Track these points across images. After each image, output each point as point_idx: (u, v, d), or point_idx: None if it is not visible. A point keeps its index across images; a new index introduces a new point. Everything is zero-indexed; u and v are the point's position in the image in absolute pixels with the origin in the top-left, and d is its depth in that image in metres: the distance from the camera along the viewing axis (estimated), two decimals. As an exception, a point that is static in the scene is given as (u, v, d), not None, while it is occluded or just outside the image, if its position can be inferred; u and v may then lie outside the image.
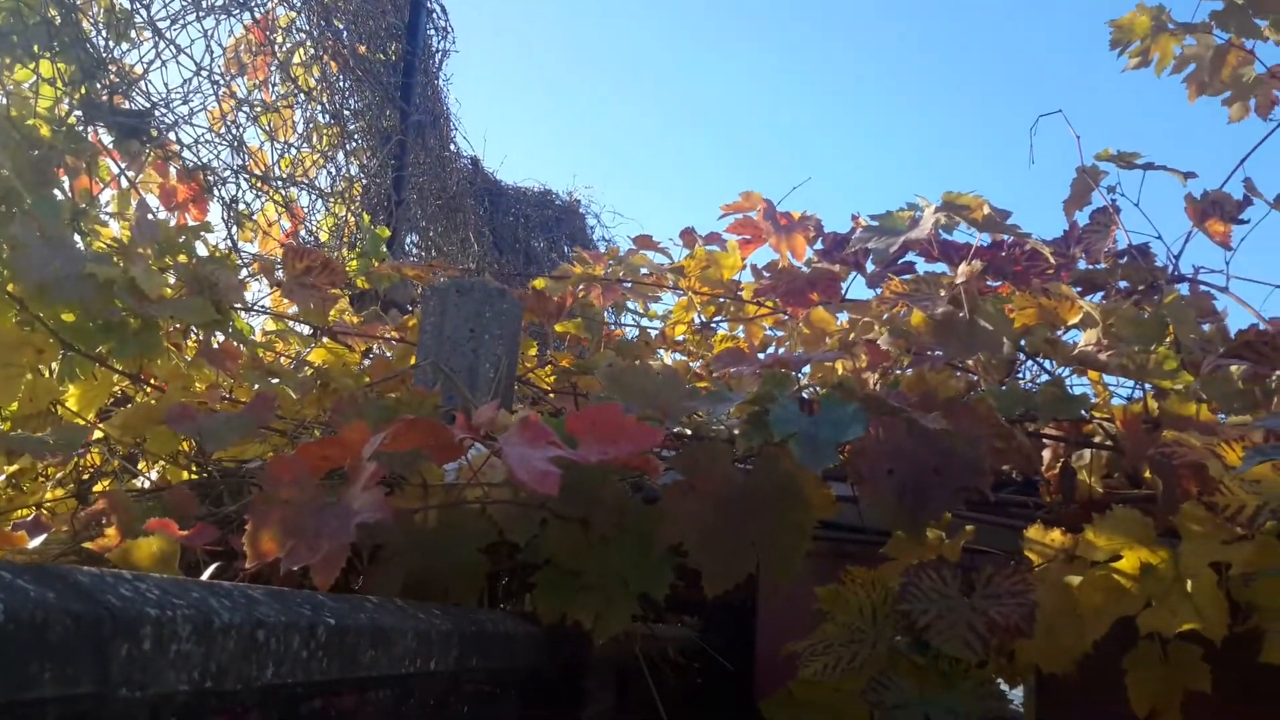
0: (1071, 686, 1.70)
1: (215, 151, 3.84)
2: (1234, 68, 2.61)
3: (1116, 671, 1.64)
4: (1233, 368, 2.03)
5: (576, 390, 2.29)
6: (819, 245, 2.29)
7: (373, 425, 1.38)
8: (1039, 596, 1.49)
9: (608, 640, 1.97)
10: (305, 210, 4.70)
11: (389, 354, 2.60)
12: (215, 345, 2.15)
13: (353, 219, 4.93)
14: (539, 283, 2.55)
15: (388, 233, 3.67)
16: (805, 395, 1.77)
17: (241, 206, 3.94)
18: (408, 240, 5.75)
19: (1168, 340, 1.82)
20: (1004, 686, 1.65)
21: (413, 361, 2.10)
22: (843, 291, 2.31)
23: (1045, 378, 2.11)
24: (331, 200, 4.92)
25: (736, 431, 1.72)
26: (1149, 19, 2.69)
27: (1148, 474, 1.80)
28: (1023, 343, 1.85)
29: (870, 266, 2.18)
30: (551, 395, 2.40)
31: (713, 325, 2.80)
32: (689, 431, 1.99)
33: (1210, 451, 1.39)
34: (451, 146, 6.34)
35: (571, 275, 2.56)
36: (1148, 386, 1.94)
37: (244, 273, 2.81)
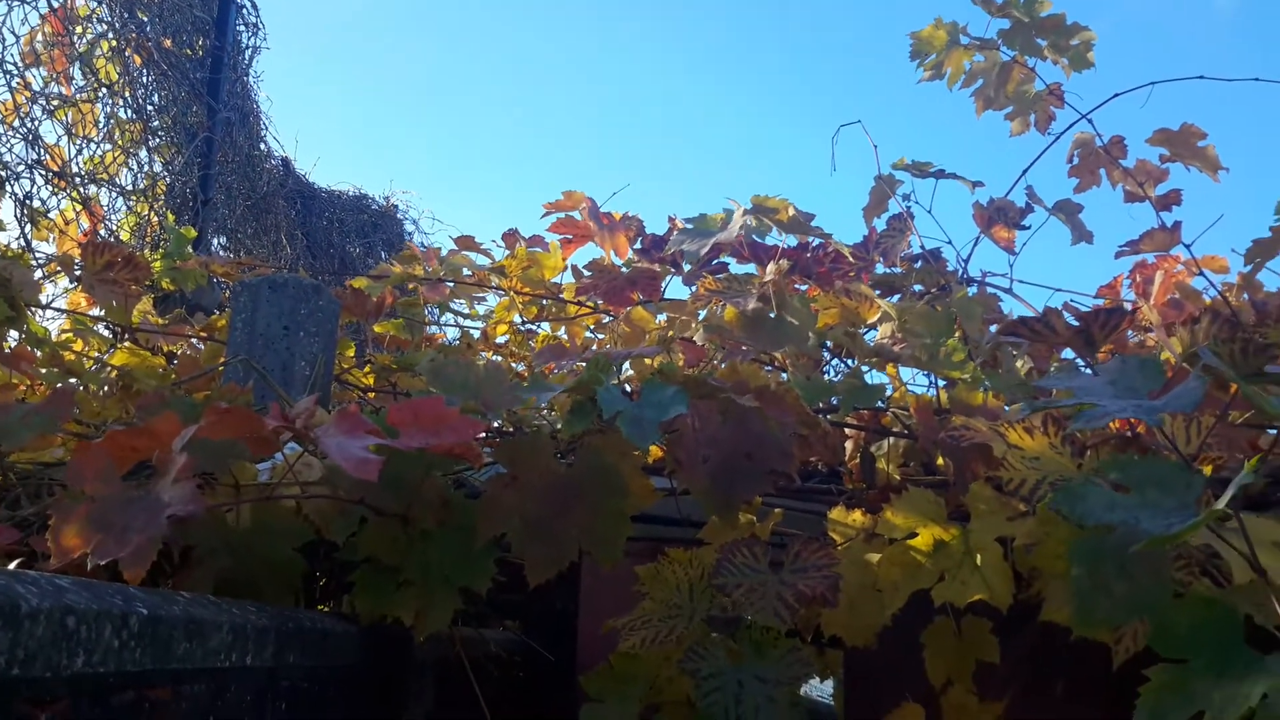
0: (877, 663, 1.80)
1: (8, 145, 3.61)
2: (1017, 84, 2.82)
3: (917, 646, 1.75)
4: (1018, 363, 2.19)
5: (396, 389, 2.27)
6: (639, 245, 2.35)
7: (182, 421, 1.34)
8: (842, 571, 1.58)
9: (430, 640, 1.96)
10: (105, 209, 4.47)
11: (197, 353, 2.51)
12: (7, 347, 2.03)
13: (156, 219, 4.71)
14: (358, 282, 2.52)
15: (194, 233, 3.53)
16: (626, 388, 1.81)
17: (36, 204, 3.71)
18: (215, 242, 5.53)
19: (956, 335, 1.96)
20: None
21: (222, 359, 2.04)
22: (662, 291, 2.38)
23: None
24: (134, 199, 4.69)
25: (559, 425, 1.75)
26: (945, 33, 2.86)
27: (940, 460, 1.93)
28: (826, 341, 1.96)
29: (686, 266, 2.25)
30: (371, 395, 2.38)
31: (534, 327, 2.82)
32: (511, 428, 2.00)
33: (995, 432, 1.51)
34: (262, 146, 6.14)
35: (391, 274, 2.54)
36: (941, 382, 2.08)
37: (39, 274, 2.66)
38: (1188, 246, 2.59)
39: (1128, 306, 2.47)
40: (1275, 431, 2.07)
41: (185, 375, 2.09)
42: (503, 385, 1.72)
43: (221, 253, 5.77)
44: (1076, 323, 1.45)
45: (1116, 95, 2.66)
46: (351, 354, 2.61)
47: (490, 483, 1.61)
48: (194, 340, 2.66)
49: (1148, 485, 1.16)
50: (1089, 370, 1.45)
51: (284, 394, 1.86)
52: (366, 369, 2.48)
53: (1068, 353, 2.35)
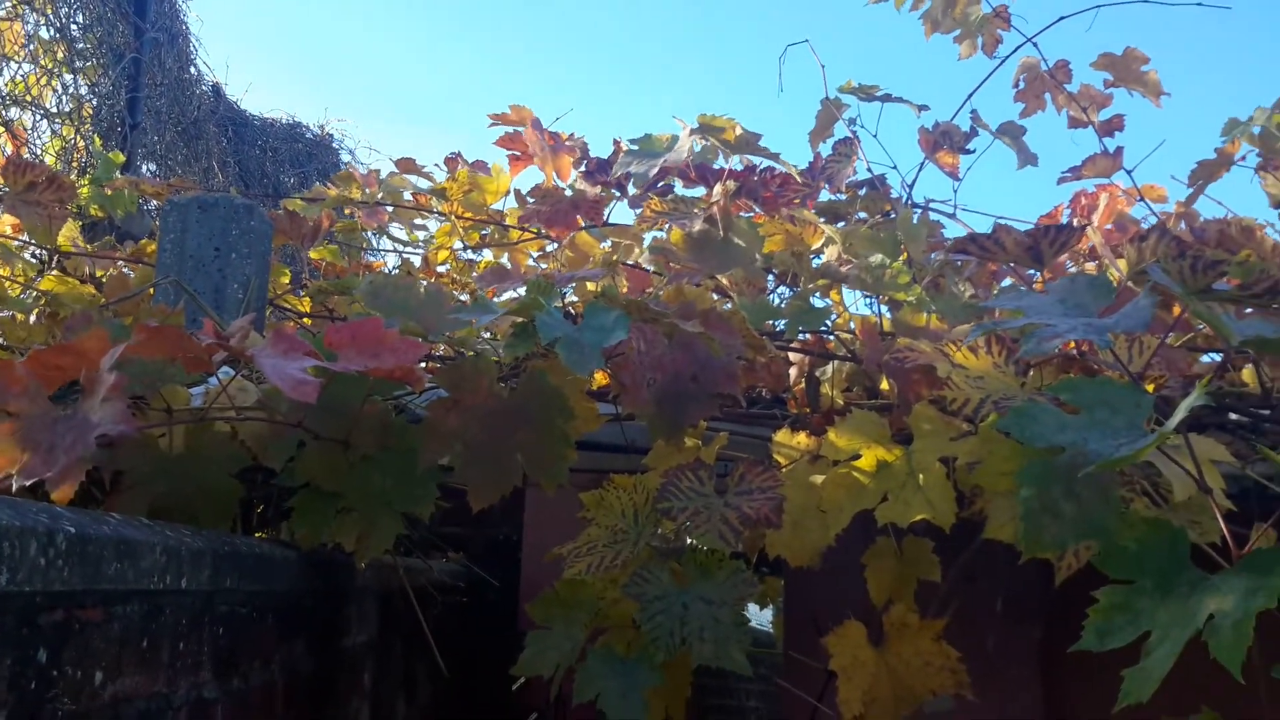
0: (818, 585, 1.81)
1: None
2: (963, 7, 2.80)
3: (858, 567, 1.76)
4: (964, 289, 2.20)
5: (333, 314, 2.22)
6: (583, 169, 2.31)
7: (111, 340, 1.29)
8: (786, 493, 1.58)
9: (373, 567, 1.94)
10: (29, 133, 4.30)
11: (127, 278, 2.43)
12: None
13: (83, 143, 4.54)
14: (293, 204, 2.44)
15: (122, 158, 3.41)
16: (571, 312, 1.79)
17: (-49, 125, 3.56)
18: (144, 169, 5.35)
19: (902, 258, 1.95)
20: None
21: (152, 283, 1.97)
22: (606, 215, 2.34)
23: (794, 299, 2.22)
24: (59, 122, 4.51)
25: (501, 349, 1.72)
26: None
27: (884, 384, 1.94)
28: (773, 266, 1.94)
29: (632, 190, 2.22)
30: (307, 320, 2.32)
31: (476, 255, 2.77)
32: (453, 353, 1.97)
33: (940, 353, 1.51)
34: (192, 70, 5.93)
35: (327, 197, 2.47)
36: (884, 309, 2.08)
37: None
38: (1129, 173, 2.61)
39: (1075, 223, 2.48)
40: (1211, 356, 2.11)
41: (114, 298, 2.02)
42: (444, 308, 1.68)
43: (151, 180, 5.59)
44: (1024, 237, 1.45)
45: (1062, 19, 2.65)
46: (287, 280, 2.55)
47: (432, 407, 1.58)
48: (123, 266, 2.58)
49: (1097, 406, 1.16)
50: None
51: (216, 316, 1.81)
52: (302, 294, 2.42)
53: (1006, 283, 2.37)
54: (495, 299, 1.98)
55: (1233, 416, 2.14)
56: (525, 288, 1.60)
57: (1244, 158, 2.57)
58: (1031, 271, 1.88)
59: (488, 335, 1.93)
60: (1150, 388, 1.50)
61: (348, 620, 1.91)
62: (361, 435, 1.61)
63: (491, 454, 1.58)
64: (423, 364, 2.01)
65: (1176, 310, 1.58)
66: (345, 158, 8.41)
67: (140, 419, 1.53)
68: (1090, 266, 2.55)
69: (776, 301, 2.45)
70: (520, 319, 1.56)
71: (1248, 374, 1.98)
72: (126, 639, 1.06)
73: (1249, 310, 1.38)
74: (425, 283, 1.66)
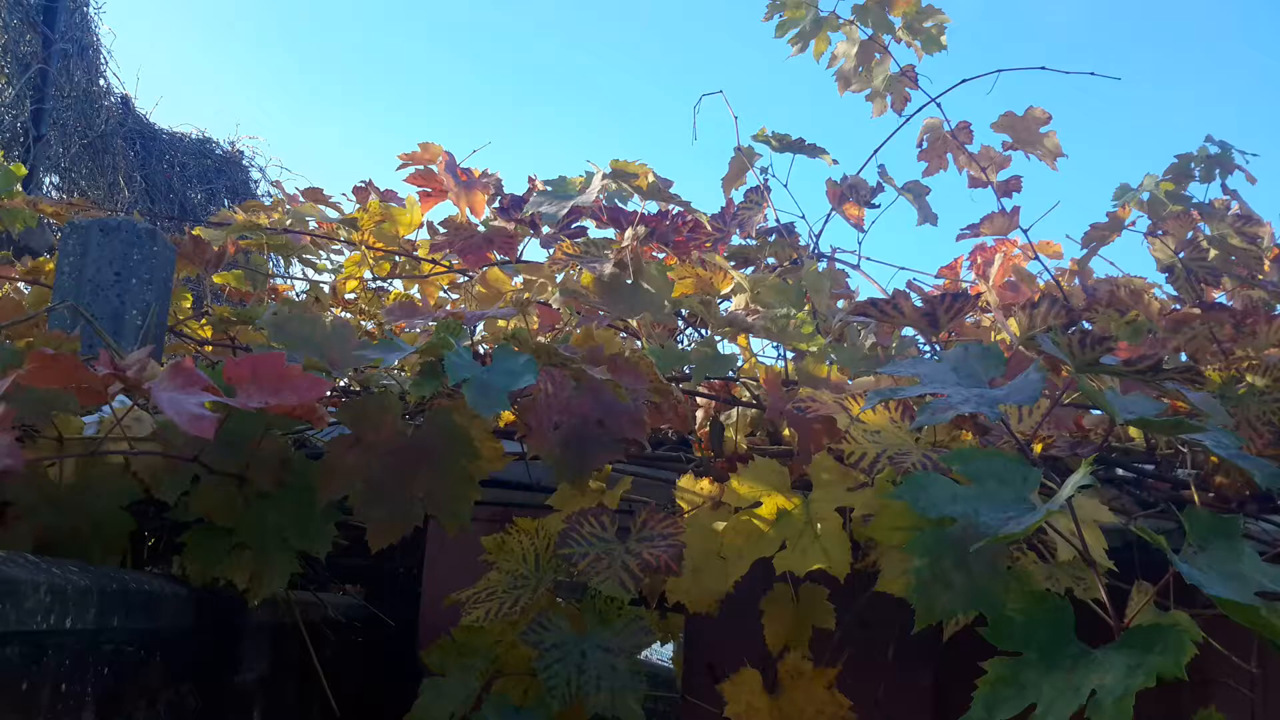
0: (717, 629, 1.83)
1: None
2: (874, 65, 2.88)
3: (756, 613, 1.78)
4: (865, 340, 2.25)
5: (235, 343, 2.18)
6: (497, 204, 2.31)
7: (2, 367, 1.26)
8: (687, 540, 1.59)
9: (266, 604, 1.90)
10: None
11: (21, 297, 2.36)
12: None
13: (-20, 153, 4.39)
14: (198, 230, 2.40)
15: (24, 170, 3.31)
16: (480, 350, 1.78)
17: None
18: (48, 181, 5.20)
19: (806, 308, 1.99)
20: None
21: (48, 305, 1.92)
22: (520, 252, 2.35)
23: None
24: (-45, 130, 4.36)
25: (408, 385, 1.71)
26: (805, 9, 2.89)
27: (786, 431, 1.97)
28: (682, 309, 1.97)
29: (545, 229, 2.23)
30: (208, 348, 2.28)
31: (387, 285, 2.75)
32: (359, 388, 1.95)
33: (839, 405, 1.54)
34: (101, 81, 5.79)
35: (234, 223, 2.43)
36: (789, 355, 2.12)
37: None
38: (1025, 231, 2.70)
39: (967, 289, 2.56)
40: (1099, 412, 2.19)
41: (7, 320, 1.95)
42: (349, 343, 1.67)
43: (54, 193, 5.43)
44: (922, 304, 1.50)
45: (964, 81, 2.75)
46: (189, 304, 2.50)
47: (332, 444, 1.57)
48: (19, 284, 2.50)
49: (987, 478, 1.20)
50: (932, 355, 1.49)
51: (114, 344, 1.77)
52: (204, 321, 2.37)
53: (908, 331, 2.43)
54: (403, 333, 1.97)
55: (1120, 472, 2.23)
56: (435, 325, 1.60)
57: (1134, 222, 2.69)
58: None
59: (395, 370, 1.92)
60: (1039, 447, 1.56)
61: (238, 658, 1.86)
62: (259, 471, 1.58)
63: (392, 493, 1.57)
64: (328, 393, 1.99)
65: (1065, 371, 1.64)
66: (256, 175, 8.29)
67: (30, 450, 1.48)
68: (987, 319, 2.63)
69: (687, 345, 2.48)
70: (428, 357, 1.56)
71: (1134, 430, 2.06)
72: (4, 683, 1.02)
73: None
74: (331, 316, 1.64)
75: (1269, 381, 1.88)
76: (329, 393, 1.98)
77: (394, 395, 1.63)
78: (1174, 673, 1.02)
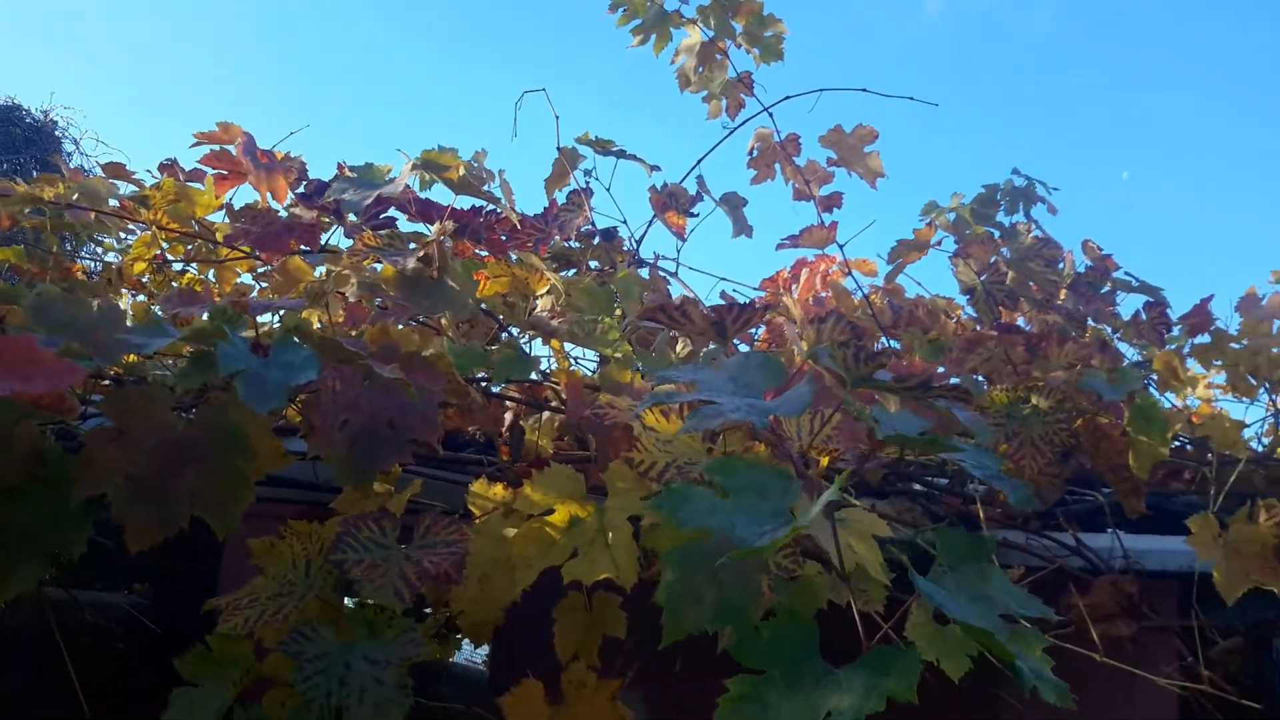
0: (521, 635, 1.78)
1: None
2: (713, 66, 2.88)
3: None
4: (679, 345, 2.24)
5: (3, 324, 2.01)
6: (301, 190, 2.20)
7: None
8: (476, 547, 1.54)
9: (21, 607, 1.75)
10: None
11: None
12: None
13: None
14: (-29, 199, 2.20)
15: None
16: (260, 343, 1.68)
17: None
18: None
19: (616, 313, 1.97)
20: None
21: None
22: (323, 241, 2.24)
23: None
24: None
25: (174, 376, 1.60)
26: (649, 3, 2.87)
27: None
28: (484, 306, 1.91)
29: (352, 219, 2.14)
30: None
31: (181, 267, 2.59)
32: (132, 378, 1.82)
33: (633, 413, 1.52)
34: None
35: (15, 194, 2.24)
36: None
37: None
38: (841, 246, 2.75)
39: (758, 303, 2.59)
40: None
41: None
42: (118, 328, 1.55)
43: None
44: (709, 313, 1.48)
45: (788, 98, 2.78)
46: (-41, 280, 2.30)
47: (92, 435, 1.45)
48: None
49: (747, 490, 1.18)
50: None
51: None
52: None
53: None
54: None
55: (915, 486, 2.28)
56: (210, 312, 1.50)
57: (940, 242, 2.77)
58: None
59: (171, 361, 1.80)
60: (825, 461, 1.57)
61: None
62: (7, 464, 1.45)
63: (157, 491, 1.46)
64: (104, 385, 1.84)
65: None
66: (69, 147, 7.81)
67: None
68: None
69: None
70: (200, 346, 1.46)
71: (927, 446, 2.11)
72: None
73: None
74: (99, 300, 1.52)
75: (1052, 403, 1.95)
76: (105, 382, 1.84)
77: (163, 386, 1.52)
78: (906, 696, 1.02)
